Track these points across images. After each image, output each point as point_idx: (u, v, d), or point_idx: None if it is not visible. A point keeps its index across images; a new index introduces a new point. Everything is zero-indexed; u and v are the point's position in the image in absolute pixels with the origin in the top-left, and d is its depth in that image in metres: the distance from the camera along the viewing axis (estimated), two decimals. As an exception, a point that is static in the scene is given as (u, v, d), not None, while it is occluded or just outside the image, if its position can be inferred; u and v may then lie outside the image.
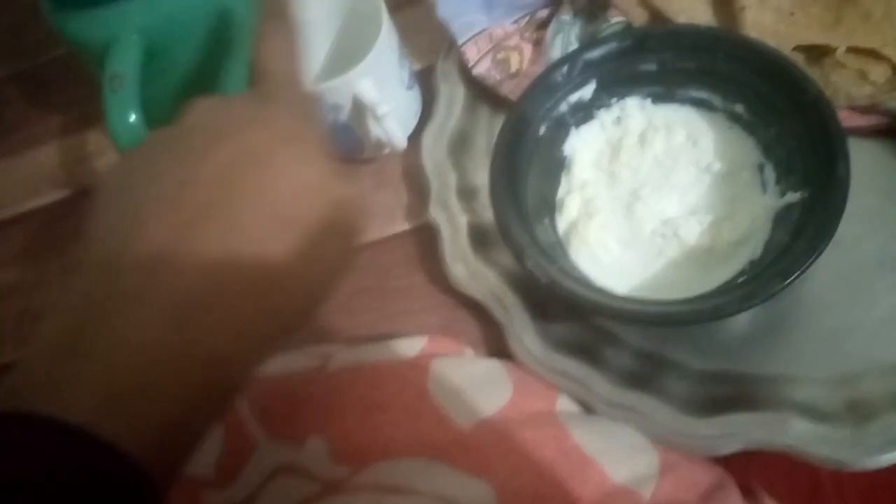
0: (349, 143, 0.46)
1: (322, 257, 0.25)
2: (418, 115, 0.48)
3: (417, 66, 0.50)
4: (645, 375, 0.37)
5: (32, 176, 0.55)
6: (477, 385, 0.36)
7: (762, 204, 0.39)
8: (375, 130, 0.44)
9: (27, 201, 0.54)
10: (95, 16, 0.40)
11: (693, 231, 0.39)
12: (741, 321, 0.38)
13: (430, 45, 0.50)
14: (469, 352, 0.39)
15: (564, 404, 0.37)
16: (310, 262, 0.24)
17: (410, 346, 0.38)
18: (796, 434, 0.34)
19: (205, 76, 0.44)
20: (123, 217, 0.23)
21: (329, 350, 0.38)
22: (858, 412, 0.34)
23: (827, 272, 0.38)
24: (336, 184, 0.25)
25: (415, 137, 0.47)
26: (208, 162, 0.23)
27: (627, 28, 0.44)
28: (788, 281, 0.32)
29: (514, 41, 0.48)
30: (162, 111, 0.45)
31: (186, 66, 0.43)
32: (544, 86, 0.40)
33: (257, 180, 0.24)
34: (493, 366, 0.38)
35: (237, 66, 0.44)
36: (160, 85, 0.42)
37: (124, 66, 0.38)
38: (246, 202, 0.23)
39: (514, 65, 0.47)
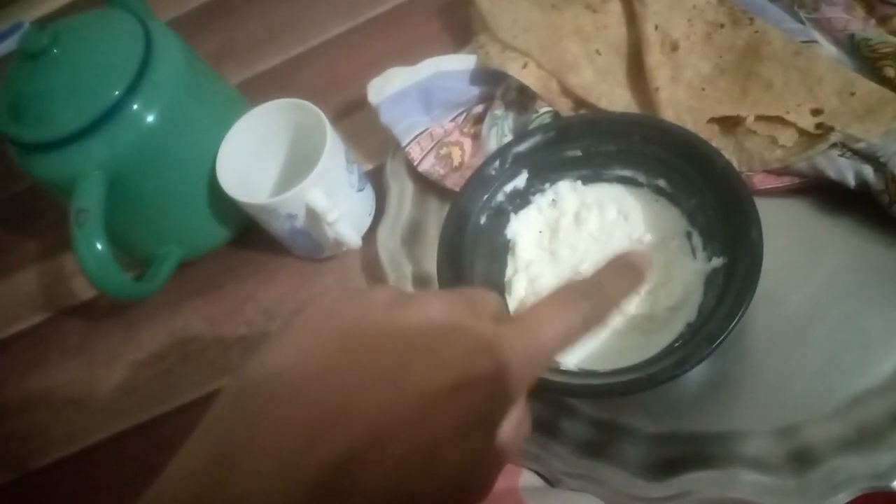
0: (308, 245, 0.49)
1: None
2: (372, 212, 0.51)
3: (368, 167, 0.54)
4: (601, 443, 0.39)
5: (12, 301, 0.57)
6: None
7: (693, 269, 0.41)
8: (330, 233, 0.46)
9: (7, 326, 0.56)
10: (58, 156, 0.43)
11: (632, 302, 0.41)
12: (687, 382, 0.40)
13: (379, 145, 0.53)
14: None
15: (527, 480, 0.38)
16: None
17: None
18: (745, 487, 0.36)
19: (171, 203, 0.47)
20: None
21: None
22: (801, 460, 0.36)
23: (761, 327, 0.40)
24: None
25: (371, 232, 0.50)
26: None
27: (551, 121, 0.47)
28: (715, 345, 0.34)
29: (454, 137, 0.51)
30: (133, 236, 0.48)
31: (151, 194, 0.46)
32: (479, 180, 0.43)
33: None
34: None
35: (202, 193, 0.47)
36: (127, 212, 0.46)
37: (88, 203, 0.41)
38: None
39: (455, 159, 0.50)
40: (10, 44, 0.72)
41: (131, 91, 0.42)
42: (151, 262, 0.48)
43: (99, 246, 0.41)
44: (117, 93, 0.42)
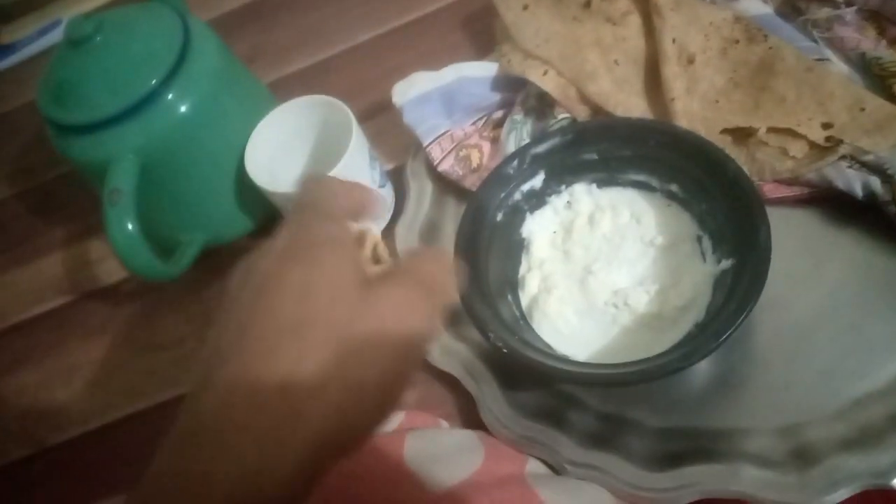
0: (328, 238, 0.50)
1: (394, 369, 0.25)
2: (391, 209, 0.53)
3: (389, 166, 0.55)
4: (607, 435, 0.40)
5: (37, 284, 0.59)
6: (451, 453, 0.38)
7: (702, 271, 0.43)
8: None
9: (31, 308, 0.58)
10: (94, 139, 0.45)
11: (641, 300, 0.42)
12: (693, 379, 0.41)
13: (400, 147, 0.55)
14: (444, 424, 0.42)
15: (533, 467, 0.39)
16: (385, 376, 0.24)
17: (388, 421, 0.41)
18: (747, 482, 0.36)
19: (199, 190, 0.49)
20: (215, 348, 0.25)
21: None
22: (803, 458, 0.37)
23: (768, 331, 0.41)
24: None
25: (389, 229, 0.51)
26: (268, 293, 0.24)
27: (569, 124, 0.49)
28: (721, 340, 0.35)
29: (473, 140, 0.53)
30: (159, 221, 0.50)
31: (180, 181, 0.48)
32: (498, 179, 0.45)
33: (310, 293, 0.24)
34: (467, 435, 0.40)
35: (229, 182, 0.49)
36: (157, 198, 0.47)
37: (122, 183, 0.43)
38: (312, 327, 0.23)
39: (474, 161, 0.52)
40: (49, 39, 0.75)
41: (168, 81, 0.44)
42: (176, 247, 0.49)
43: (130, 225, 0.43)
44: (154, 81, 0.44)
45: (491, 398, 0.42)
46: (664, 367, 0.36)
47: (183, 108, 0.45)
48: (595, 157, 0.46)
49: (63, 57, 0.46)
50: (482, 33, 0.59)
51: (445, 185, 0.52)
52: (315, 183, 0.30)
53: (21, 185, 0.66)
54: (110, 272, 0.57)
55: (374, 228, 0.32)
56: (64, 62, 0.46)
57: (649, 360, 0.38)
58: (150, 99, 0.44)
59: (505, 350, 0.38)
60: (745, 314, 0.36)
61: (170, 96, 0.45)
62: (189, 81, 0.46)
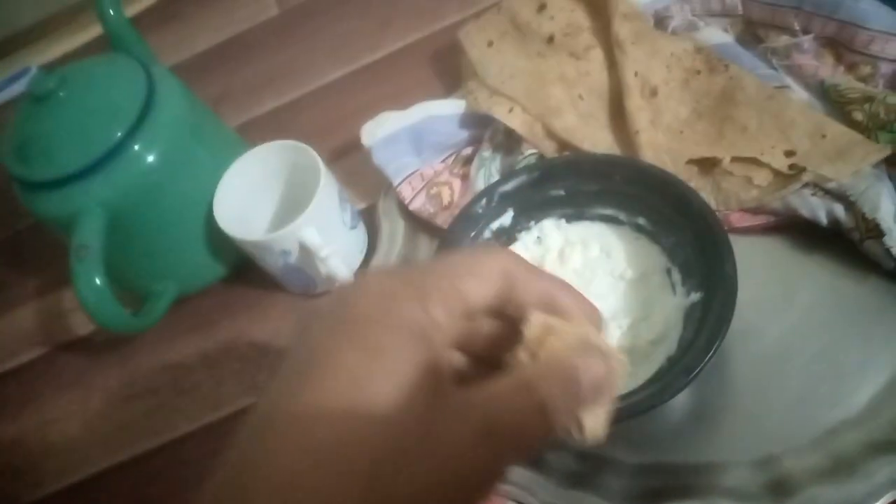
0: (301, 281, 0.50)
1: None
2: (364, 249, 0.53)
3: (361, 206, 0.55)
4: (585, 474, 0.40)
5: (10, 336, 0.58)
6: None
7: (673, 304, 0.43)
8: (322, 269, 0.48)
9: (5, 362, 0.57)
10: (60, 194, 0.45)
11: (614, 335, 0.43)
12: (668, 414, 0.41)
13: (372, 186, 0.55)
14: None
15: (512, 511, 0.39)
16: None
17: None
18: (725, 517, 0.36)
19: (169, 240, 0.49)
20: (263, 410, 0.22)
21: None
22: (780, 490, 0.37)
23: (740, 360, 0.42)
24: None
25: (363, 268, 0.51)
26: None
27: (536, 161, 0.49)
28: (692, 376, 0.36)
29: (443, 177, 0.53)
30: (130, 272, 0.49)
31: (150, 231, 0.48)
32: (467, 218, 0.45)
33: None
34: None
35: (199, 230, 0.49)
36: (126, 249, 0.47)
37: (89, 238, 0.43)
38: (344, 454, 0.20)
39: (445, 198, 0.52)
40: (18, 88, 0.74)
41: (133, 133, 0.44)
42: (148, 297, 0.49)
43: (98, 280, 0.42)
44: (119, 134, 0.44)
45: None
46: (637, 405, 0.36)
47: (149, 159, 0.45)
48: (562, 192, 0.46)
49: (27, 112, 0.46)
50: (450, 70, 0.60)
51: (417, 223, 0.52)
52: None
53: (-8, 236, 0.65)
54: (84, 322, 0.56)
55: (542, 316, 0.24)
56: (27, 117, 0.46)
57: (623, 397, 0.38)
58: (116, 152, 0.44)
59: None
60: (713, 349, 0.36)
61: (136, 148, 0.45)
62: (155, 132, 0.46)
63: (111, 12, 0.52)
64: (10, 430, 0.54)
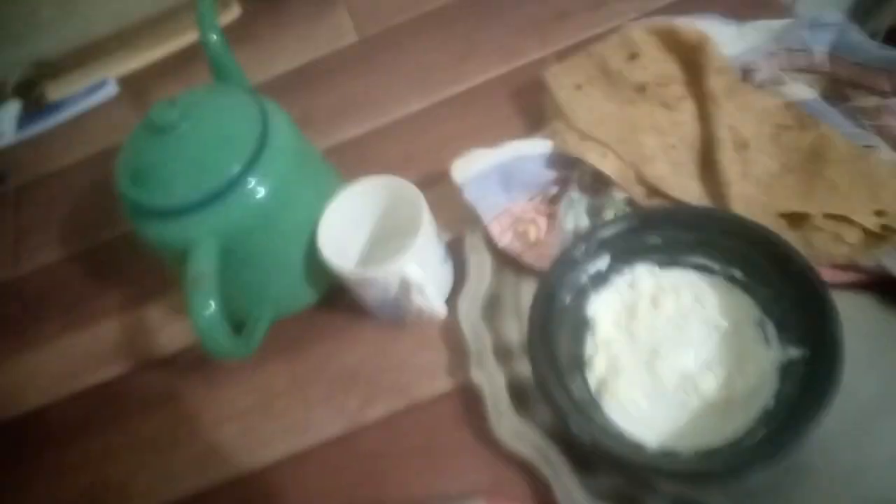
0: (393, 312, 0.52)
1: None
2: (452, 281, 0.54)
3: (446, 238, 0.57)
4: (682, 522, 0.41)
5: (95, 350, 0.59)
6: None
7: (768, 357, 0.44)
8: (417, 302, 0.49)
9: (89, 375, 0.58)
10: (176, 223, 0.46)
11: (710, 385, 0.44)
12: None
13: (453, 218, 0.56)
14: (523, 507, 0.43)
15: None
16: None
17: (470, 504, 0.41)
18: (826, 573, 0.38)
19: (272, 268, 0.50)
20: None
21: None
22: (878, 549, 0.38)
23: (832, 418, 0.43)
24: None
25: (450, 303, 0.53)
26: None
27: (633, 209, 0.51)
28: (803, 438, 0.37)
29: (530, 215, 0.54)
30: (232, 299, 0.51)
31: (255, 260, 0.49)
32: (566, 261, 0.47)
33: None
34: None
35: (300, 258, 0.50)
36: (231, 277, 0.48)
37: (205, 267, 0.44)
38: None
39: (532, 236, 0.53)
40: (97, 97, 0.76)
41: (249, 167, 0.46)
42: (247, 321, 0.50)
43: (214, 309, 0.43)
44: (238, 168, 0.45)
45: (568, 483, 0.43)
46: (747, 465, 0.37)
47: (263, 192, 0.46)
48: (658, 241, 0.48)
49: (143, 139, 0.47)
50: (531, 108, 0.61)
51: (504, 258, 0.54)
52: None
53: (74, 246, 0.67)
54: (170, 341, 0.58)
55: None
56: (147, 145, 0.47)
57: (725, 452, 0.39)
58: (233, 185, 0.45)
59: (587, 442, 0.39)
60: (823, 411, 0.37)
61: (251, 181, 0.46)
62: (269, 165, 0.47)
63: (213, 37, 0.54)
64: (97, 445, 0.54)
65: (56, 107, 0.76)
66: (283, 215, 0.48)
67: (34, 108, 0.77)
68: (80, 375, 0.58)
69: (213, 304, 0.44)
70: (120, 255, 0.64)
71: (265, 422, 0.52)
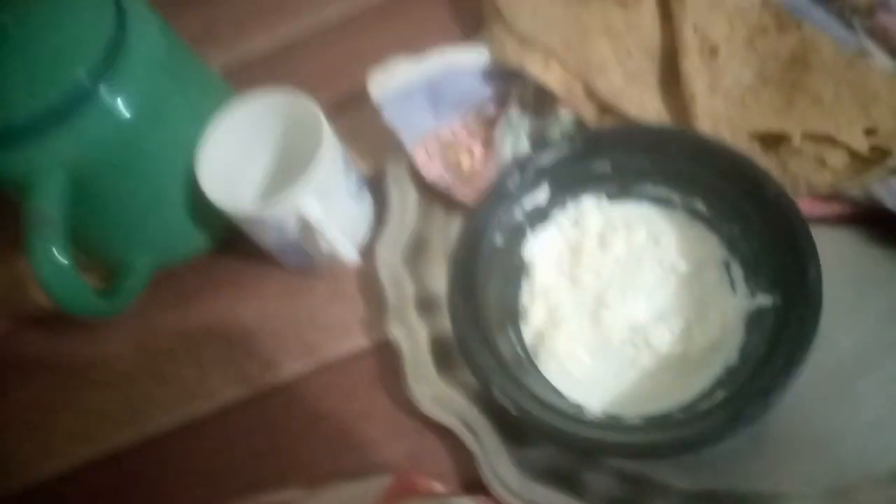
0: (299, 258, 0.44)
1: None
2: (370, 223, 0.46)
3: (366, 170, 0.48)
4: (629, 500, 0.35)
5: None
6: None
7: (733, 305, 0.37)
8: (324, 246, 0.41)
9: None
10: (13, 149, 0.37)
11: (664, 339, 0.37)
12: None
13: (377, 146, 0.48)
14: (439, 487, 0.36)
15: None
16: None
17: (375, 486, 0.35)
18: (793, 559, 0.32)
19: (143, 205, 0.42)
20: None
21: (286, 498, 0.35)
22: (855, 529, 0.32)
23: (807, 376, 0.35)
24: None
25: (369, 246, 0.45)
26: None
27: (577, 130, 0.43)
28: (771, 402, 0.30)
29: (463, 141, 0.46)
30: (98, 244, 0.42)
31: (121, 195, 0.41)
32: (497, 195, 0.39)
33: None
34: None
35: (179, 193, 0.42)
36: (93, 216, 0.40)
37: (48, 207, 0.36)
38: None
39: (465, 165, 0.45)
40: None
41: (99, 74, 0.37)
42: (118, 271, 0.42)
43: (60, 258, 0.36)
44: (82, 75, 0.36)
45: (494, 456, 0.36)
46: (704, 435, 0.31)
47: (120, 108, 0.37)
48: (608, 168, 0.40)
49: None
50: (470, 11, 0.52)
51: (432, 193, 0.46)
52: None
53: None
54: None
55: None
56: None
57: (678, 418, 0.33)
58: (79, 98, 0.36)
59: (513, 411, 0.33)
60: (796, 369, 0.31)
61: (103, 93, 0.37)
62: (126, 74, 0.38)
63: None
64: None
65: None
66: (152, 138, 0.39)
67: None
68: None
69: (58, 253, 0.36)
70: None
71: (155, 386, 0.45)
